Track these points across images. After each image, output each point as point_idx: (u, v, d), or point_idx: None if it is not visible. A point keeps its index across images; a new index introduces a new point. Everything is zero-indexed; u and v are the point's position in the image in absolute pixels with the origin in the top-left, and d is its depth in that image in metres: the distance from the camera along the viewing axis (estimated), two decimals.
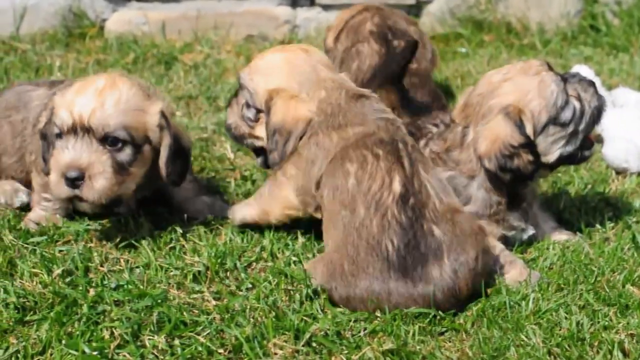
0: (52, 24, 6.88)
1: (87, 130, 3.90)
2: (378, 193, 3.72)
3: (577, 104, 4.04)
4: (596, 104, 4.11)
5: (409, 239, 3.65)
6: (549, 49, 7.05)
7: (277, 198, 4.10)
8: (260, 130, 4.07)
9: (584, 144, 4.11)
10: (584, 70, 5.42)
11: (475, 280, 3.68)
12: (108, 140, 3.93)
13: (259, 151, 4.17)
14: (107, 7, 7.04)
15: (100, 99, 3.94)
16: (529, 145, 3.96)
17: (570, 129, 4.03)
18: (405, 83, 5.09)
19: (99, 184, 3.90)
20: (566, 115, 4.01)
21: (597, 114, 4.13)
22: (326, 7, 7.17)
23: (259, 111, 4.05)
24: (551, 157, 4.05)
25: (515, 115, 3.95)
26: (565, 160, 4.12)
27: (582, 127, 4.07)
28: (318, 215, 3.99)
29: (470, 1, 7.16)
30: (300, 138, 3.96)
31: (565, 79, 4.08)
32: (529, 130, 3.96)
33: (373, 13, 5.60)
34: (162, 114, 4.06)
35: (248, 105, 4.08)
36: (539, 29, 7.21)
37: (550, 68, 4.10)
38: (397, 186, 3.73)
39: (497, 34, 7.18)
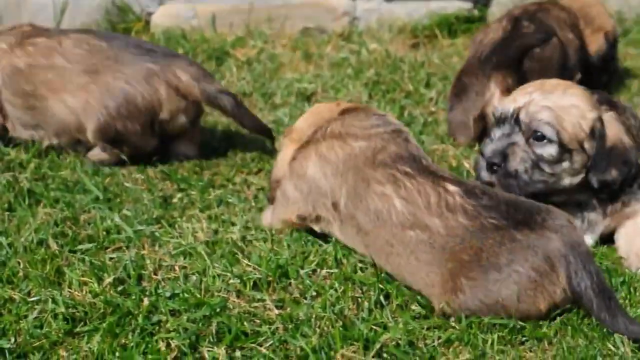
0: (94, 18, 6.84)
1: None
2: (441, 201, 3.57)
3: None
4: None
5: (505, 206, 3.52)
6: (629, 39, 6.89)
7: (283, 221, 4.07)
8: None
9: None
10: None
11: None
12: None
13: None
14: (153, 0, 6.97)
15: None
16: None
17: None
18: (525, 67, 5.14)
19: None
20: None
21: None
22: None
23: None
24: None
25: None
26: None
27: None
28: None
29: None
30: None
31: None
32: None
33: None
34: None
35: None
36: (617, 17, 6.99)
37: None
38: (453, 188, 3.60)
39: None
